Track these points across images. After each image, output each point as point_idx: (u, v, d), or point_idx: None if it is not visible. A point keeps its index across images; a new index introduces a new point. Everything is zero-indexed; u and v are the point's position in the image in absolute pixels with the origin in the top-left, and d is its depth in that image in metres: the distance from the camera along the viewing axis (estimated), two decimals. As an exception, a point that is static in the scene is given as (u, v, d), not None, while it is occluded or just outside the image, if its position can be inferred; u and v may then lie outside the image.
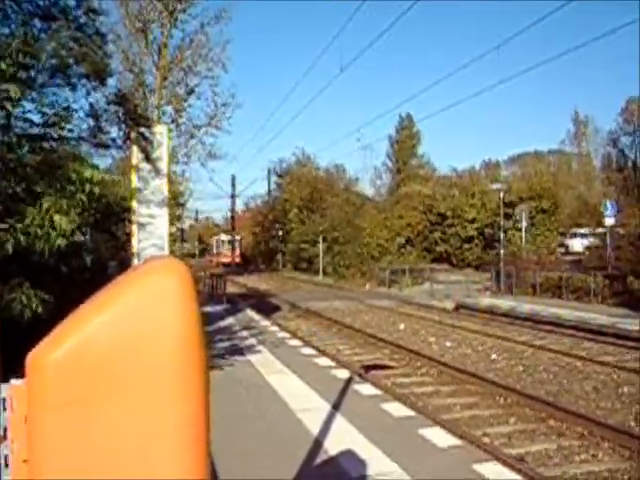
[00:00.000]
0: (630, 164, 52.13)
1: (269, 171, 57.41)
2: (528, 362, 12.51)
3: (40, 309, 5.34)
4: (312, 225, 47.42)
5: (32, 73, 6.19)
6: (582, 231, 36.49)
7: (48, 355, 1.22)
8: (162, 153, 9.61)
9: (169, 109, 15.05)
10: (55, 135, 6.42)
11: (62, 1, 6.94)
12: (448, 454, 5.74)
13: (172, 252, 13.77)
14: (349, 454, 5.52)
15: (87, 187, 5.71)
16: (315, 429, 6.49)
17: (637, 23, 16.17)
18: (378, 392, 8.55)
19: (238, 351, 11.54)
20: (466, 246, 40.77)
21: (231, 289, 29.20)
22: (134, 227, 9.34)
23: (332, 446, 5.87)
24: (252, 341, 13.05)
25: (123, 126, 8.77)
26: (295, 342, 13.54)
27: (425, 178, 55.82)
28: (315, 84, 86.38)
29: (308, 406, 7.57)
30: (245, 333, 14.40)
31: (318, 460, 5.50)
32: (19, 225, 5.27)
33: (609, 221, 25.71)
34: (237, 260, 53.56)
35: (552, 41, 62.81)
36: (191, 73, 15.41)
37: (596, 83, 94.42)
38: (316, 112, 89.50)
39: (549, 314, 18.70)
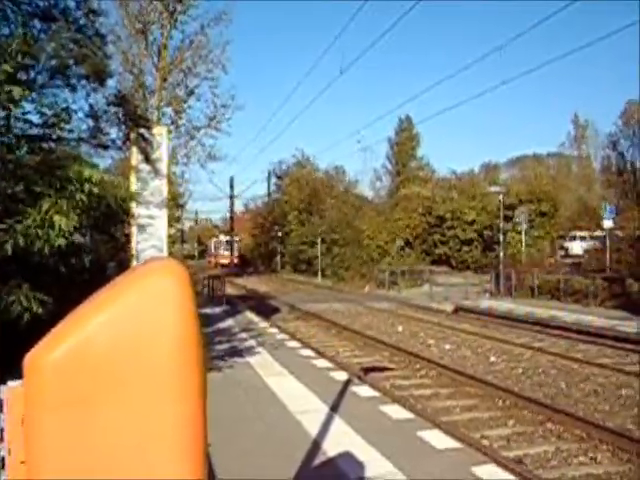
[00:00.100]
0: (629, 167, 52.13)
1: (269, 173, 57.42)
2: (527, 364, 12.50)
3: (40, 311, 5.33)
4: (311, 227, 47.45)
5: (32, 74, 6.19)
6: (581, 234, 36.50)
7: (46, 356, 1.22)
8: (162, 154, 9.63)
9: (169, 110, 15.11)
10: (54, 136, 6.41)
11: (62, 2, 6.96)
12: (446, 456, 5.74)
13: (171, 253, 13.78)
14: (347, 456, 5.51)
15: (86, 187, 5.70)
16: (314, 431, 6.49)
17: (637, 24, 16.14)
18: (377, 394, 8.55)
19: (237, 353, 11.53)
20: (465, 248, 40.78)
21: (230, 291, 29.19)
22: (133, 228, 9.34)
23: (330, 448, 5.86)
24: (251, 343, 13.04)
25: (123, 127, 8.77)
26: (294, 344, 13.54)
27: (424, 180, 55.69)
28: (316, 85, 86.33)
29: (307, 408, 7.57)
30: (244, 335, 14.39)
31: (317, 462, 5.50)
32: (18, 226, 5.26)
33: (608, 224, 25.75)
34: (236, 261, 53.56)
35: (554, 42, 62.49)
36: (191, 74, 15.47)
37: (597, 85, 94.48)
38: (317, 113, 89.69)
39: (548, 316, 18.72)
